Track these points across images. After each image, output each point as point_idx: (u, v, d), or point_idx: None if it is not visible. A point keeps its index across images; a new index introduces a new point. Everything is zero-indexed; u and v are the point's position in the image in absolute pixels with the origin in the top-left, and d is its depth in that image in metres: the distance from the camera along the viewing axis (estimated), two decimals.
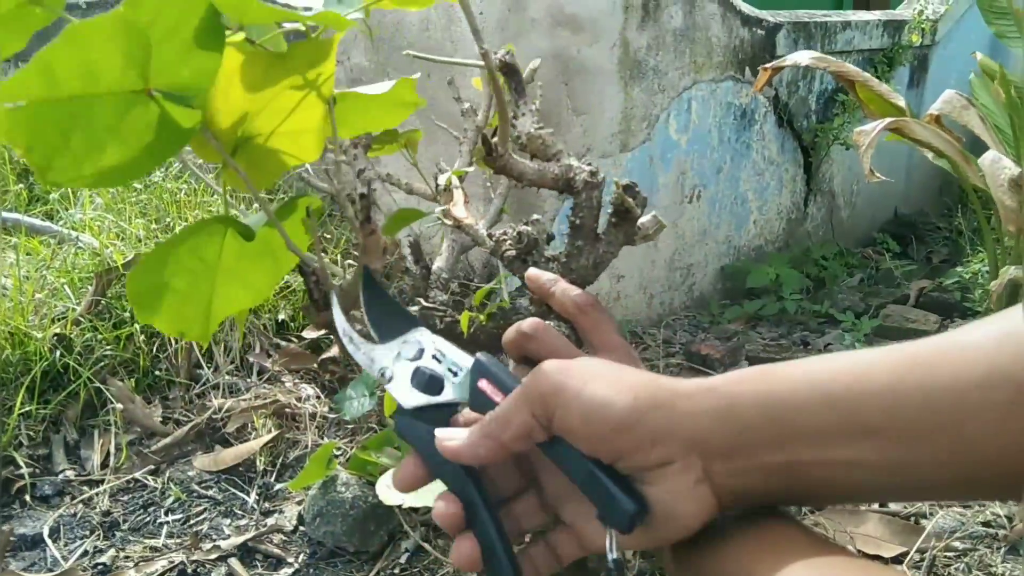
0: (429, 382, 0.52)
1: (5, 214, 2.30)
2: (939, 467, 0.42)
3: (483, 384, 0.51)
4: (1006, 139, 2.08)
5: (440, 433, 0.50)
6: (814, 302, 2.64)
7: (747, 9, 2.55)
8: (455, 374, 0.52)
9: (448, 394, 0.52)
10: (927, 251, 3.33)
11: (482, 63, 0.72)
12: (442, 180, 1.03)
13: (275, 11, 0.50)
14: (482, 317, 0.75)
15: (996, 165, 1.68)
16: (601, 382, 0.46)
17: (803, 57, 2.03)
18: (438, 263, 1.07)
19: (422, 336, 0.55)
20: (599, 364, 0.48)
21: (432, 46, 2.23)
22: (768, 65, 2.06)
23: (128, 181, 0.49)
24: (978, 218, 2.22)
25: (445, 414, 0.52)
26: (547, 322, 0.56)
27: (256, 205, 0.56)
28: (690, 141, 2.47)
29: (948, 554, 1.36)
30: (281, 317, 2.04)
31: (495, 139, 0.77)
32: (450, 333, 0.75)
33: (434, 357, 0.53)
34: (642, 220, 0.79)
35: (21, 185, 2.66)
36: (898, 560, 1.35)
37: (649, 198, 0.81)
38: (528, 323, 0.55)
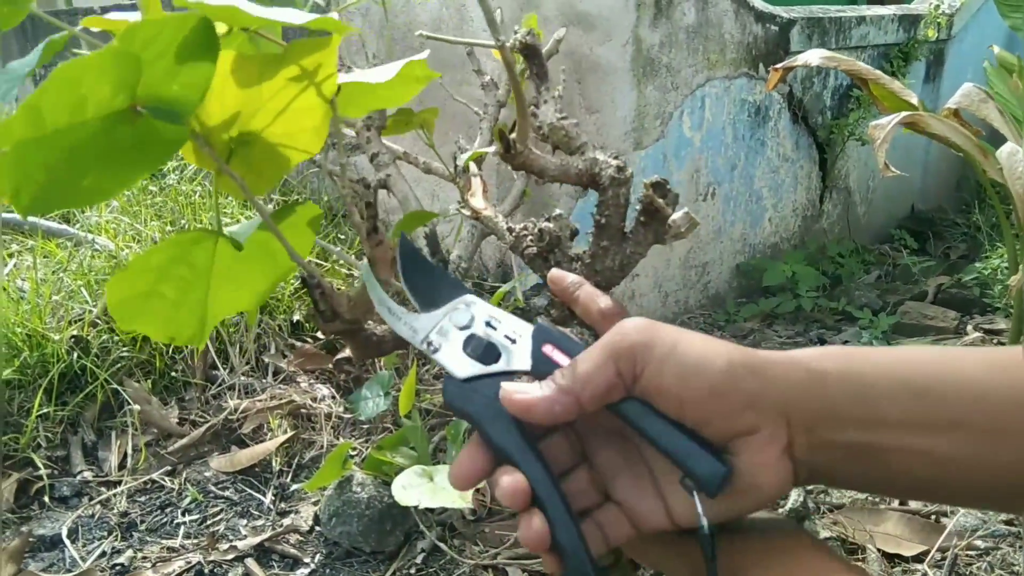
0: (486, 349, 0.48)
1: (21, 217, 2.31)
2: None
3: (548, 349, 0.47)
4: None
5: (508, 386, 0.45)
6: (830, 299, 2.62)
7: (760, 5, 2.53)
8: (513, 341, 0.48)
9: (507, 362, 0.47)
10: (945, 247, 3.30)
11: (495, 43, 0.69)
12: (460, 162, 1.00)
13: (267, 21, 0.49)
14: None
15: (1014, 158, 1.66)
16: (692, 341, 0.44)
17: (814, 57, 2.01)
18: (457, 251, 1.04)
19: (472, 303, 0.50)
20: (680, 328, 0.46)
21: (444, 45, 2.23)
22: (779, 66, 2.04)
23: (109, 198, 0.49)
24: (997, 213, 2.19)
25: (494, 388, 0.47)
26: (567, 331, 0.54)
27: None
28: (704, 138, 2.45)
29: (970, 553, 1.35)
30: (296, 318, 2.04)
31: (513, 134, 0.74)
32: None
33: (488, 324, 0.49)
34: (674, 217, 0.76)
35: None
36: (919, 559, 1.34)
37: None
38: None
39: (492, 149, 1.06)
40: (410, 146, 1.47)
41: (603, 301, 0.54)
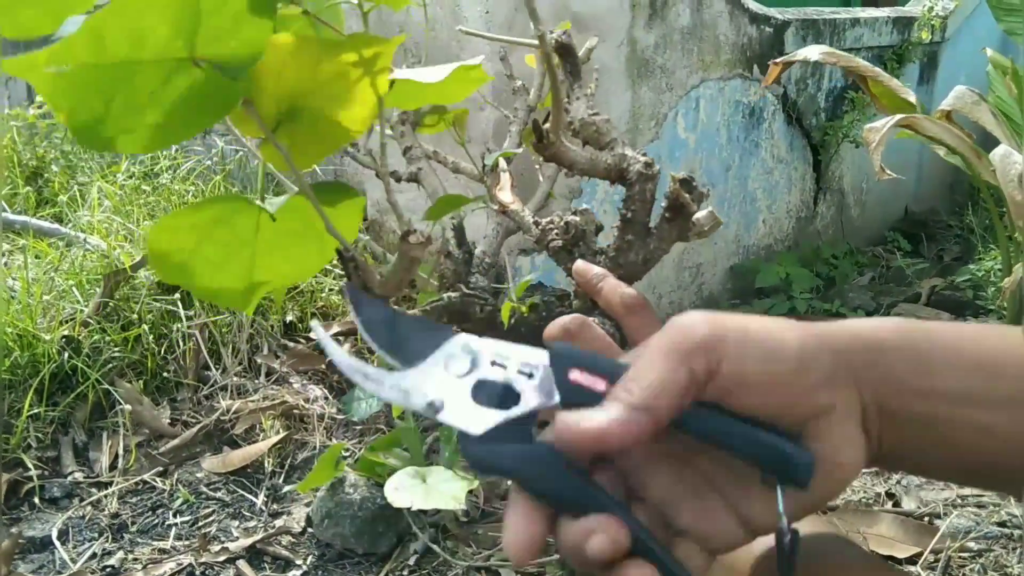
0: (503, 394, 0.41)
1: (14, 216, 2.30)
2: None
3: (576, 375, 0.40)
4: (1019, 132, 2.06)
5: (566, 418, 0.38)
6: (824, 301, 2.62)
7: (755, 7, 2.53)
8: (530, 376, 0.41)
9: (529, 402, 0.40)
10: (938, 249, 3.30)
11: (534, 42, 0.69)
12: (489, 161, 1.00)
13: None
14: (524, 308, 0.73)
15: (1007, 160, 1.66)
16: (761, 323, 0.41)
17: (813, 52, 2.01)
18: (481, 246, 1.04)
19: (468, 342, 0.42)
20: (736, 313, 0.43)
21: (439, 44, 2.22)
22: (778, 60, 2.05)
23: (164, 146, 0.49)
24: (990, 215, 2.20)
25: (525, 430, 0.40)
26: (592, 319, 0.54)
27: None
28: (698, 140, 2.45)
29: (963, 555, 1.35)
30: (289, 318, 2.03)
31: (547, 125, 0.74)
32: (490, 323, 0.73)
33: (495, 364, 0.41)
34: (698, 215, 0.76)
35: (29, 188, 2.67)
36: (912, 560, 1.34)
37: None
38: (572, 319, 0.51)
39: (521, 150, 1.05)
40: (436, 146, 1.46)
41: (626, 294, 0.54)
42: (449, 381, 0.41)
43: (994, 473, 0.44)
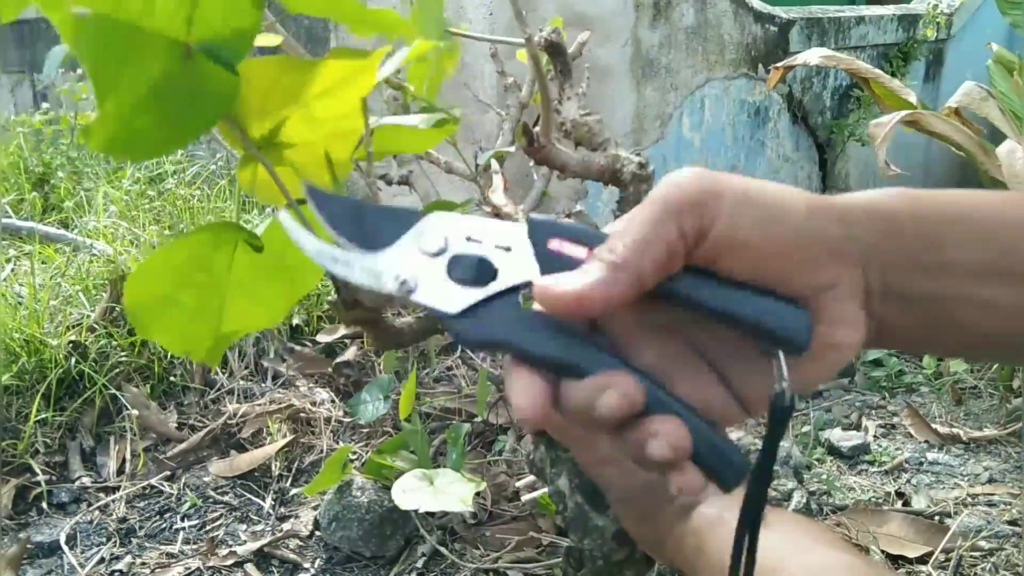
0: (478, 268, 0.37)
1: (20, 222, 2.31)
2: None
3: (556, 244, 0.37)
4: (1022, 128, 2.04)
5: (543, 281, 0.35)
6: None
7: (759, 6, 2.53)
8: (508, 249, 0.38)
9: (508, 277, 0.37)
10: None
11: (522, 41, 0.68)
12: (481, 160, 0.98)
13: (327, 5, 0.49)
14: None
15: (1012, 156, 1.65)
16: (762, 185, 0.37)
17: (813, 56, 2.00)
18: None
19: (440, 220, 0.39)
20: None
21: None
22: (779, 64, 2.03)
23: (163, 153, 0.47)
24: None
25: (508, 304, 0.37)
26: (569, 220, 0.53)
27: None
28: (704, 139, 2.45)
29: (974, 554, 1.34)
30: (295, 322, 2.03)
31: (537, 128, 0.73)
32: None
33: (469, 239, 0.38)
34: None
35: (36, 194, 2.68)
36: (923, 560, 1.33)
37: None
38: None
39: (513, 148, 1.04)
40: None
41: None
42: (422, 260, 0.38)
43: (1002, 346, 0.42)
